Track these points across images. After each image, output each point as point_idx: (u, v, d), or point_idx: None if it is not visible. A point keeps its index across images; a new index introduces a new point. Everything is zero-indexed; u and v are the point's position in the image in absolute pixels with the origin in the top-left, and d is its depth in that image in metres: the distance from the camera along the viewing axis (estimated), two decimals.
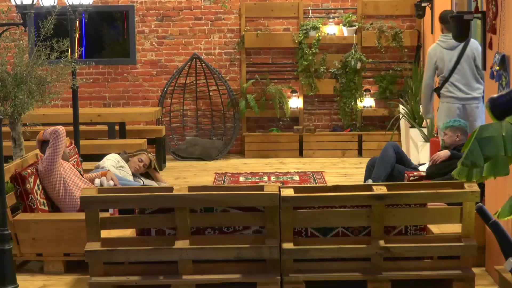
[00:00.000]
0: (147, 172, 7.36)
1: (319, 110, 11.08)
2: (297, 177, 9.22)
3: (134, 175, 7.17)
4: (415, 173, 6.89)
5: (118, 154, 7.33)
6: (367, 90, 10.82)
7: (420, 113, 9.06)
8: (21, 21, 5.58)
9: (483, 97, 7.75)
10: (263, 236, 4.96)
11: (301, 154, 10.73)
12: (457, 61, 7.70)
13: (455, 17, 6.34)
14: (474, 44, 7.71)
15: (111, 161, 7.03)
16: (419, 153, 8.82)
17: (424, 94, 7.94)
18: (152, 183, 7.18)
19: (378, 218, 4.88)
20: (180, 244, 4.90)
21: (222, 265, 4.97)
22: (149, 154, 7.34)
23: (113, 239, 5.05)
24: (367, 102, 10.80)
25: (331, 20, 10.82)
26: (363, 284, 4.95)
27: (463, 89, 7.69)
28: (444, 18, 7.77)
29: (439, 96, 7.84)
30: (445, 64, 7.73)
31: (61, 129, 6.02)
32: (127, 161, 7.21)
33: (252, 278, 4.93)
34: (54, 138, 5.94)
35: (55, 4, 6.96)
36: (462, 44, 7.62)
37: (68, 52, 6.97)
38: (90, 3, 7.63)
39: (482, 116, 7.74)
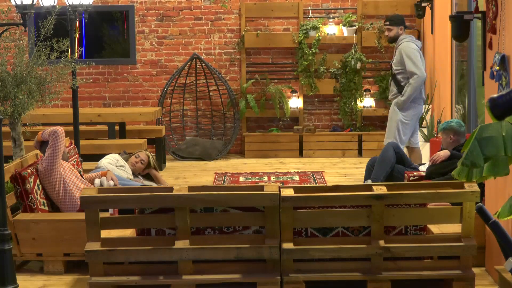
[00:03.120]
0: (148, 173, 7.36)
1: (319, 110, 11.07)
2: (297, 177, 9.21)
3: (134, 175, 7.18)
4: (415, 173, 6.89)
5: (118, 154, 7.33)
6: (367, 90, 10.81)
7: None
8: (21, 21, 5.58)
9: (393, 98, 8.37)
10: (263, 236, 4.96)
11: (301, 154, 10.73)
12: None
13: (455, 17, 6.35)
14: (403, 46, 8.19)
15: (109, 160, 7.03)
16: None
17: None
18: (152, 184, 7.18)
19: (378, 218, 4.88)
20: (180, 244, 4.90)
21: (222, 265, 4.96)
22: (148, 153, 7.35)
23: (113, 239, 5.05)
24: (367, 102, 10.79)
25: (331, 20, 10.81)
26: (363, 284, 4.95)
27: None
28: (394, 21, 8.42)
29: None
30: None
31: (60, 129, 6.01)
32: (126, 161, 7.22)
33: (252, 278, 4.93)
34: (54, 138, 5.94)
35: (55, 4, 6.96)
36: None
37: (68, 52, 6.97)
38: (90, 3, 7.63)
39: (392, 117, 8.25)
